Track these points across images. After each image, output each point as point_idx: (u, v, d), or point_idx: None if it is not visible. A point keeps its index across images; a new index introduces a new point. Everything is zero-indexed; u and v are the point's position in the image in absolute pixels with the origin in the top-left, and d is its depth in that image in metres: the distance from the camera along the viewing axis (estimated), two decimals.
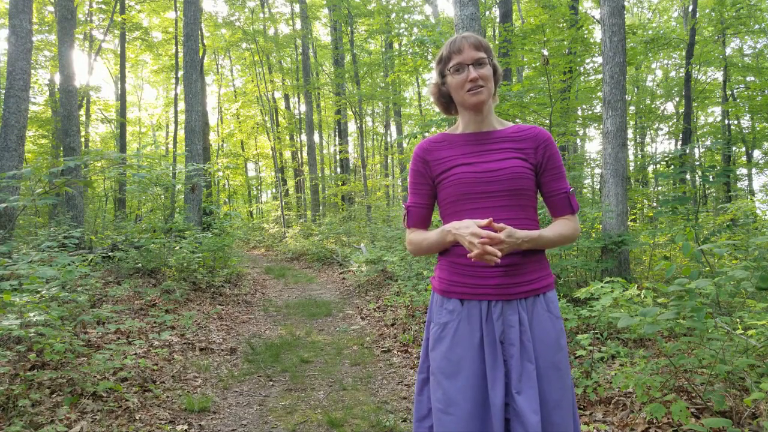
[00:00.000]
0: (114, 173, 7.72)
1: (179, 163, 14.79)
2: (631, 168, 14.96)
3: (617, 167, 5.67)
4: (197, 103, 9.99)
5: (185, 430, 3.13)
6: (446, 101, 1.74)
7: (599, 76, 9.75)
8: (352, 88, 18.55)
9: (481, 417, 1.53)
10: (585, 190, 12.79)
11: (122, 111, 15.69)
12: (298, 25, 19.15)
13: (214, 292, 7.46)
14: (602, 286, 3.22)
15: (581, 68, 9.62)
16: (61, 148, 8.93)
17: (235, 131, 23.65)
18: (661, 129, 19.92)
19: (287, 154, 23.28)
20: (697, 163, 15.21)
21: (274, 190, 28.00)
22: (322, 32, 23.83)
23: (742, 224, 6.80)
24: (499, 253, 1.45)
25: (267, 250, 16.51)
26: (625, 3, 6.56)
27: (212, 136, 20.87)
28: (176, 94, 16.44)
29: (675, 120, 17.68)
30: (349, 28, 17.84)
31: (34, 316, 3.23)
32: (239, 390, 3.92)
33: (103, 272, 6.67)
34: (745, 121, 15.78)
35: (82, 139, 13.49)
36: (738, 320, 3.09)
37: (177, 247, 7.57)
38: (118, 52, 16.09)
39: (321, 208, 18.24)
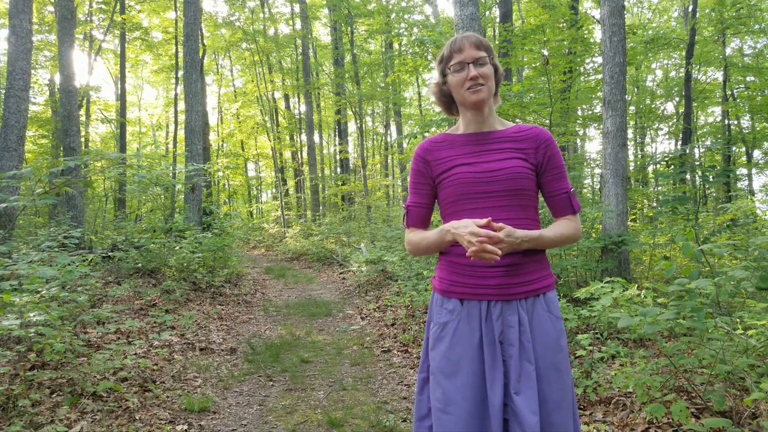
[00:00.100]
0: (114, 173, 7.72)
1: (179, 163, 14.79)
2: (631, 168, 14.96)
3: (617, 167, 5.67)
4: (197, 103, 9.99)
5: (185, 430, 3.13)
6: (447, 101, 1.74)
7: (599, 76, 9.75)
8: (352, 88, 18.55)
9: (480, 417, 1.53)
10: (585, 190, 12.78)
11: (122, 111, 15.70)
12: (298, 25, 19.15)
13: (214, 292, 7.46)
14: (602, 286, 3.22)
15: (581, 68, 9.63)
16: (61, 148, 8.93)
17: (235, 131, 23.66)
18: (661, 129, 19.92)
19: (287, 154, 23.28)
20: (697, 163, 15.20)
21: (274, 190, 28.01)
22: (322, 32, 23.85)
23: (742, 224, 6.81)
24: (499, 252, 1.45)
25: (267, 250, 16.51)
26: (625, 3, 6.56)
27: (212, 136, 20.88)
28: (176, 94, 16.44)
29: (675, 120, 17.68)
30: (349, 28, 17.84)
31: (34, 316, 3.23)
32: (239, 390, 3.92)
33: (103, 272, 6.67)
34: (745, 121, 15.79)
35: (82, 139, 13.49)
36: (738, 320, 3.09)
37: (177, 247, 7.57)
38: (118, 52, 16.10)
39: (321, 208, 18.24)
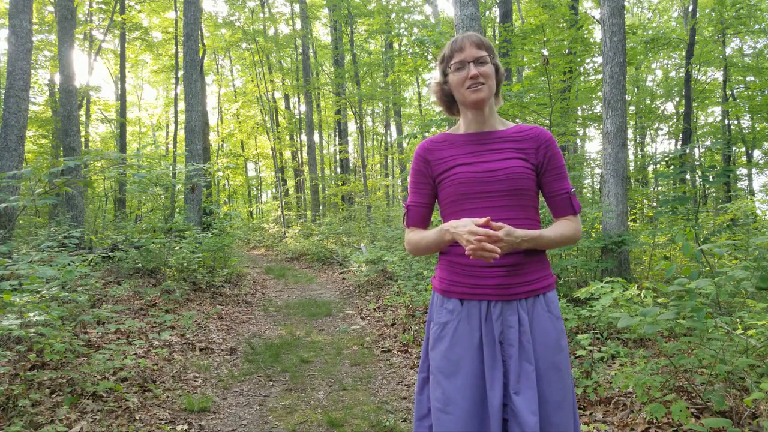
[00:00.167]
0: (114, 173, 7.72)
1: (179, 163, 14.79)
2: (631, 168, 14.96)
3: (617, 167, 5.67)
4: (197, 103, 9.99)
5: (185, 430, 3.13)
6: (448, 100, 1.74)
7: (599, 76, 9.75)
8: (352, 88, 18.55)
9: (479, 417, 1.53)
10: (585, 190, 12.78)
11: (122, 111, 15.70)
12: (298, 25, 19.15)
13: (214, 292, 7.46)
14: (602, 286, 3.22)
15: (581, 68, 9.63)
16: (61, 148, 8.93)
17: (235, 131, 23.66)
18: (661, 129, 19.92)
19: (287, 154, 23.28)
20: (697, 163, 15.20)
21: (274, 190, 28.01)
22: (322, 32, 23.85)
23: (742, 224, 6.81)
24: (498, 250, 1.45)
25: (267, 250, 16.51)
26: (625, 3, 6.56)
27: (212, 136, 20.88)
28: (176, 94, 16.44)
29: (675, 120, 17.68)
30: (349, 28, 17.84)
31: (34, 316, 3.23)
32: (239, 390, 3.92)
33: (103, 272, 6.67)
34: (745, 121, 15.79)
35: (82, 139, 13.49)
36: (738, 320, 3.09)
37: (177, 247, 7.57)
38: (118, 52, 16.10)
39: (321, 208, 18.24)
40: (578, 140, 18.93)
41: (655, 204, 10.90)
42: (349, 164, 21.06)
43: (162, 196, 9.76)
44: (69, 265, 4.06)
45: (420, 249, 1.72)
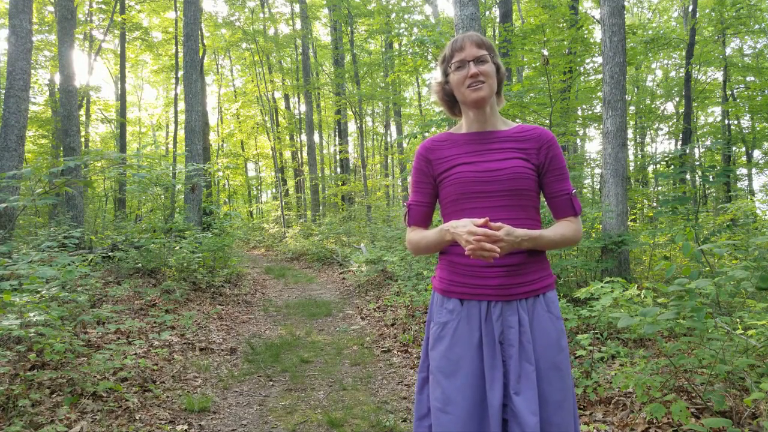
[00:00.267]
0: (114, 173, 7.72)
1: (179, 163, 14.80)
2: (631, 168, 14.96)
3: (617, 167, 5.67)
4: (197, 103, 9.99)
5: (185, 430, 3.13)
6: (450, 100, 1.74)
7: (599, 76, 9.75)
8: (352, 88, 18.55)
9: (479, 416, 1.53)
10: (585, 190, 12.79)
11: (122, 111, 15.70)
12: (298, 25, 19.15)
13: (214, 292, 7.46)
14: (602, 286, 3.22)
15: (581, 68, 9.63)
16: (61, 148, 8.93)
17: (235, 131, 23.66)
18: (661, 129, 19.92)
19: (287, 154, 23.28)
20: (697, 163, 15.21)
21: (274, 190, 28.01)
22: (322, 32, 23.85)
23: (742, 224, 6.81)
24: (498, 250, 1.45)
25: (267, 250, 16.51)
26: (625, 3, 6.56)
27: (212, 136, 20.88)
28: (176, 94, 16.44)
29: (675, 120, 17.68)
30: (349, 28, 17.84)
31: (34, 316, 3.23)
32: (239, 390, 3.92)
33: (103, 272, 6.67)
34: (745, 121, 15.79)
35: (82, 139, 13.49)
36: (738, 320, 3.09)
37: (177, 247, 7.57)
38: (118, 52, 16.10)
39: (321, 208, 18.24)
40: (578, 140, 18.93)
41: (655, 204, 10.91)
42: (349, 164, 21.07)
43: (162, 196, 9.76)
44: (69, 265, 4.06)
45: (421, 249, 1.72)
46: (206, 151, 14.70)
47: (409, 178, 1.80)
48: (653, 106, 18.62)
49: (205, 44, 15.55)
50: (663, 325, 2.56)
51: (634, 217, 9.90)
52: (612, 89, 5.75)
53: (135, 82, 25.19)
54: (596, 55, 9.10)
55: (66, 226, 6.48)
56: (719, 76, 15.96)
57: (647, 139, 21.15)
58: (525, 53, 9.76)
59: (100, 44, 14.87)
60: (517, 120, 7.04)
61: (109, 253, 7.40)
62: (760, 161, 15.66)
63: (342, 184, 18.50)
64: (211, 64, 22.33)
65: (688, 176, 11.42)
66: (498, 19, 11.90)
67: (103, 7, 14.32)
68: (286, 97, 22.20)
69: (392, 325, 5.73)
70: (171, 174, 8.48)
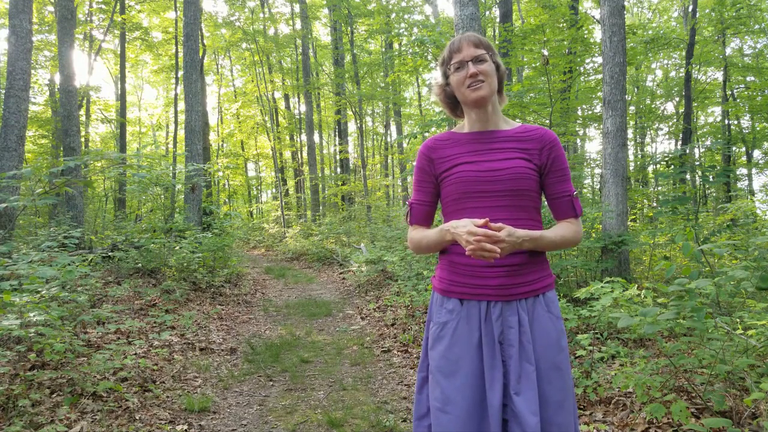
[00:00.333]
0: (114, 173, 7.72)
1: (179, 163, 14.79)
2: (631, 168, 14.96)
3: (617, 167, 5.67)
4: (197, 103, 9.99)
5: (185, 430, 3.13)
6: (452, 102, 1.74)
7: (599, 76, 9.75)
8: (352, 88, 18.55)
9: (478, 416, 1.53)
10: (585, 190, 12.79)
11: (122, 111, 15.70)
12: (298, 25, 19.15)
13: (214, 292, 7.46)
14: (602, 286, 3.22)
15: (581, 68, 9.63)
16: (61, 148, 8.93)
17: (235, 131, 23.66)
18: (661, 129, 19.92)
19: (287, 154, 23.28)
20: (697, 163, 15.20)
21: (274, 190, 28.01)
22: (322, 32, 23.85)
23: (742, 224, 6.81)
24: (498, 250, 1.45)
25: (267, 250, 16.51)
26: (625, 3, 6.56)
27: (212, 136, 20.88)
28: (176, 94, 16.44)
29: (675, 120, 17.68)
30: (349, 28, 17.84)
31: (34, 316, 3.23)
32: (239, 390, 3.92)
33: (103, 272, 6.67)
34: (745, 121, 15.79)
35: (82, 139, 13.49)
36: (738, 320, 3.09)
37: (177, 247, 7.57)
38: (118, 52, 16.10)
39: (321, 208, 18.24)
40: (578, 140, 18.93)
41: (655, 204, 10.90)
42: (349, 164, 21.07)
43: (162, 196, 9.76)
44: (69, 265, 4.06)
45: (421, 248, 1.72)
46: (206, 151, 14.70)
47: (410, 178, 1.80)
48: (653, 106, 18.62)
49: (205, 44, 15.55)
50: (663, 325, 2.56)
51: (634, 217, 9.90)
52: (612, 89, 5.75)
53: (135, 82, 25.20)
54: (596, 55, 9.10)
55: (66, 226, 6.48)
56: (719, 76, 15.97)
57: (647, 139, 21.16)
58: (525, 53, 9.76)
59: (100, 44, 14.87)
60: (518, 120, 7.04)
61: (109, 253, 7.40)
62: (760, 161, 15.66)
63: (342, 184, 18.51)
64: (211, 64, 22.33)
65: (688, 176, 11.42)
66: (498, 19, 11.90)
67: (103, 7, 14.32)
68: (286, 97, 22.20)
69: (392, 325, 5.73)
70: (171, 174, 8.48)
